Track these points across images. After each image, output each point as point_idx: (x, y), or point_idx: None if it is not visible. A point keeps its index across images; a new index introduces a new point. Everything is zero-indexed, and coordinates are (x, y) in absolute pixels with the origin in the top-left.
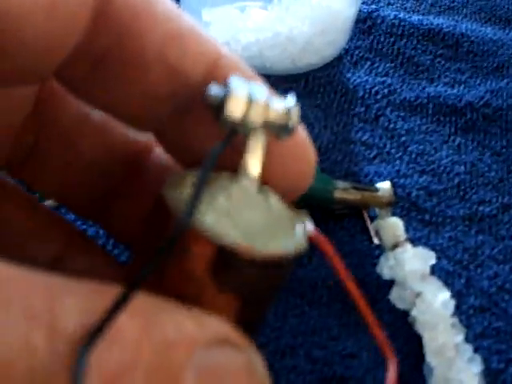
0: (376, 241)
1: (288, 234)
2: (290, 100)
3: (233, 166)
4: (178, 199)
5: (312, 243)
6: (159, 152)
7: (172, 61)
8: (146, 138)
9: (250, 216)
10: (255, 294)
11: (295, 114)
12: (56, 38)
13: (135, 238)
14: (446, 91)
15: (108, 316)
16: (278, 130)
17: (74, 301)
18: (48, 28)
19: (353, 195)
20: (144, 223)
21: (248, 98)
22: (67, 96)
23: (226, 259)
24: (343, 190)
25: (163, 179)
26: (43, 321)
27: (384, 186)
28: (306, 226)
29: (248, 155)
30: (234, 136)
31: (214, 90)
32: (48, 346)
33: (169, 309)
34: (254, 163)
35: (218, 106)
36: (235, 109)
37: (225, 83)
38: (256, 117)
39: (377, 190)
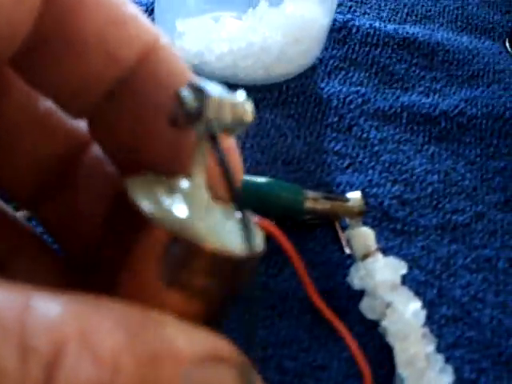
0: (348, 251)
1: (245, 236)
2: (242, 94)
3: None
4: (160, 210)
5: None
6: (96, 148)
7: (111, 45)
8: (84, 132)
9: (207, 216)
10: (211, 292)
11: (250, 108)
12: (13, 23)
13: (67, 233)
14: (420, 100)
15: None
16: (236, 126)
17: (45, 313)
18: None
19: (323, 205)
20: (103, 222)
21: (220, 98)
22: (12, 86)
23: (183, 252)
24: (313, 200)
25: (97, 174)
26: (14, 338)
27: (354, 195)
28: (257, 231)
29: (200, 157)
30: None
31: (186, 93)
32: (19, 367)
33: (157, 320)
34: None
35: (193, 109)
36: (214, 110)
37: (192, 86)
38: (227, 115)
39: (347, 199)
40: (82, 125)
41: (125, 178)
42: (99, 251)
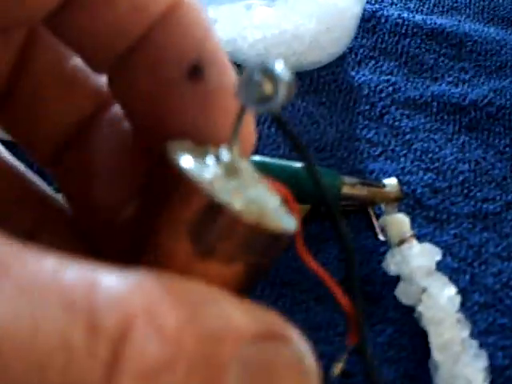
0: (381, 237)
1: (280, 216)
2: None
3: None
4: (202, 177)
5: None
6: (116, 108)
7: None
8: (106, 91)
9: (248, 188)
10: (245, 266)
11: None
12: None
13: (83, 195)
14: (449, 90)
15: None
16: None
17: (112, 290)
18: None
19: (360, 191)
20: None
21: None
22: (42, 44)
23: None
24: (351, 186)
25: (115, 134)
26: (82, 316)
27: (391, 182)
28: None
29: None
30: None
31: (257, 76)
32: (86, 345)
33: (216, 298)
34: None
35: (266, 93)
36: (285, 93)
37: (262, 68)
38: (290, 96)
39: (384, 185)
40: (104, 83)
41: (164, 143)
42: (121, 220)
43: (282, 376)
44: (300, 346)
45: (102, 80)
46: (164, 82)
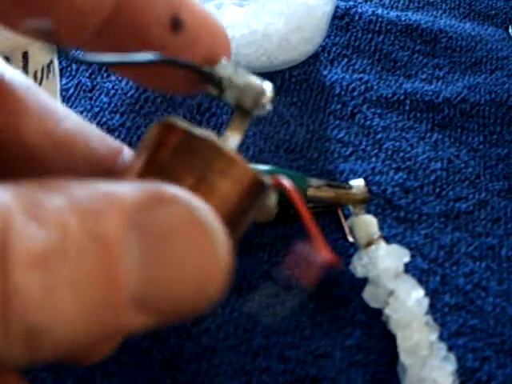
0: (351, 238)
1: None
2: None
3: None
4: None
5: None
6: None
7: None
8: None
9: None
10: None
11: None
12: None
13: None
14: (423, 87)
15: None
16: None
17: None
18: None
19: (326, 193)
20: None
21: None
22: None
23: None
24: (317, 188)
25: None
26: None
27: (358, 183)
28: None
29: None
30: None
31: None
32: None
33: (95, 181)
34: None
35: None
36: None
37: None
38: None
39: (350, 187)
40: None
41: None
42: None
43: (180, 236)
44: (194, 204)
45: None
46: (148, 40)
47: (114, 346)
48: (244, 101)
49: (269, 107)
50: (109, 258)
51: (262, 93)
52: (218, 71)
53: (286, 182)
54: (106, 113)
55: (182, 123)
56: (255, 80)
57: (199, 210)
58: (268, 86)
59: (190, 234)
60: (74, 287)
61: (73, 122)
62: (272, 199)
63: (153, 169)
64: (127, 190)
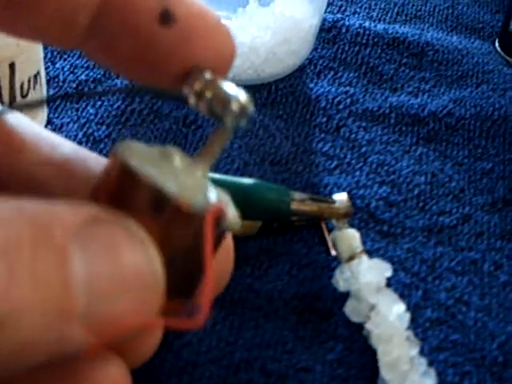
0: (334, 252)
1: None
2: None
3: None
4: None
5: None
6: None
7: None
8: None
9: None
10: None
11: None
12: None
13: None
14: (409, 100)
15: None
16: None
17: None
18: None
19: (310, 207)
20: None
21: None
22: None
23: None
24: (300, 202)
25: None
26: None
27: (341, 197)
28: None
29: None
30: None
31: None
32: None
33: (43, 202)
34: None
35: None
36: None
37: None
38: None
39: (334, 201)
40: None
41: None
42: None
43: (117, 249)
44: (126, 222)
45: None
46: (138, 34)
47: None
48: (217, 112)
49: (246, 119)
50: (59, 258)
51: (234, 102)
52: (189, 84)
53: (213, 212)
54: (93, 124)
55: (128, 152)
56: (228, 90)
57: (131, 225)
58: (242, 96)
59: (125, 246)
60: (32, 277)
61: (67, 146)
62: (231, 221)
63: (102, 194)
64: (72, 211)
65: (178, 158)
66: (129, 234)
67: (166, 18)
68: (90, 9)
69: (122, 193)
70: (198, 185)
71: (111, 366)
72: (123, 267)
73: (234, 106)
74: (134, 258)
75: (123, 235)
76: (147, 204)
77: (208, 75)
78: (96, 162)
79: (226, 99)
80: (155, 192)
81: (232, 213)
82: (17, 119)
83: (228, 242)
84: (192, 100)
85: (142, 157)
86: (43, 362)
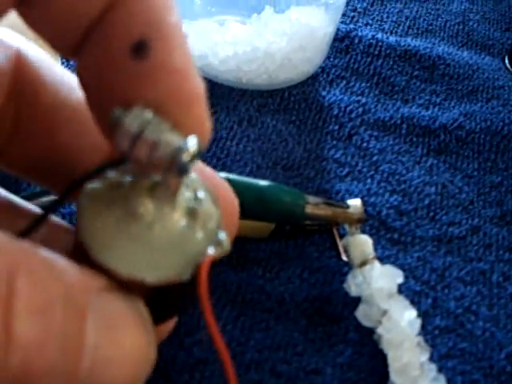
0: (345, 257)
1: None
2: (190, 138)
3: None
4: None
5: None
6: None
7: None
8: None
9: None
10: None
11: (191, 150)
12: None
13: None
14: (420, 112)
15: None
16: (173, 167)
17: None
18: None
19: (324, 211)
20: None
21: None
22: (41, 80)
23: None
24: (314, 206)
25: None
26: None
27: (355, 203)
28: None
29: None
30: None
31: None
32: None
33: (61, 263)
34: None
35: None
36: (122, 140)
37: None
38: (141, 152)
39: (348, 206)
40: None
41: (84, 189)
42: None
43: (124, 320)
44: (135, 301)
45: None
46: (111, 61)
47: None
48: (162, 167)
49: (197, 159)
50: (81, 322)
51: (178, 154)
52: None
53: (204, 273)
54: None
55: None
56: (168, 142)
57: (139, 306)
58: (191, 142)
59: (129, 320)
60: (63, 340)
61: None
62: (226, 246)
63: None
64: (90, 277)
65: (146, 203)
66: (136, 312)
67: (139, 49)
68: (88, 19)
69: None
70: (172, 242)
71: None
72: (125, 346)
73: (185, 158)
74: (136, 341)
75: (130, 313)
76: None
77: (149, 115)
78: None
79: (173, 154)
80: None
81: (221, 243)
82: (39, 59)
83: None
84: (124, 143)
85: (105, 232)
86: None
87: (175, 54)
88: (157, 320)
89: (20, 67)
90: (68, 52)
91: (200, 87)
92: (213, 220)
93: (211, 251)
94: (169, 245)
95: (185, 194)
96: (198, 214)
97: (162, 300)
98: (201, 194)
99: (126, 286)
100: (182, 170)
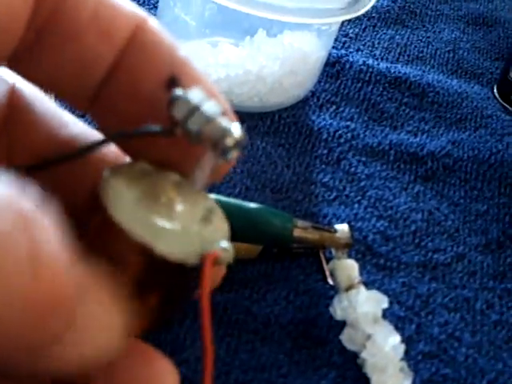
0: (331, 281)
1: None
2: (236, 125)
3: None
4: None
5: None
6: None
7: (103, 23)
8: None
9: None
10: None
11: (235, 136)
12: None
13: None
14: (408, 139)
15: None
16: (216, 147)
17: None
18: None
19: (312, 234)
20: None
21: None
22: (35, 113)
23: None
24: (303, 229)
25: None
26: None
27: (342, 227)
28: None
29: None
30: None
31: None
32: None
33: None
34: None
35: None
36: (181, 109)
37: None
38: (194, 123)
39: (335, 231)
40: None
41: (107, 168)
42: None
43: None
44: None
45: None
46: (145, 101)
47: None
48: (206, 143)
49: (237, 151)
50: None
51: (224, 135)
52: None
53: (208, 268)
54: None
55: (113, 193)
56: (219, 122)
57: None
58: (236, 129)
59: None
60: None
61: (76, 127)
62: (225, 260)
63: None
64: None
65: (170, 192)
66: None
67: (173, 83)
68: (106, 62)
69: (106, 235)
70: (190, 232)
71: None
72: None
73: (229, 142)
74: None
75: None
76: (130, 249)
77: (206, 96)
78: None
79: (220, 134)
80: (143, 248)
81: (226, 249)
82: (33, 94)
83: None
84: (181, 113)
85: (127, 198)
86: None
87: (199, 80)
88: (157, 309)
89: (15, 101)
90: (83, 105)
91: (227, 103)
92: (223, 231)
93: (217, 249)
94: (182, 228)
95: (206, 201)
96: (212, 220)
97: (162, 283)
98: (216, 213)
99: (131, 260)
100: (224, 152)
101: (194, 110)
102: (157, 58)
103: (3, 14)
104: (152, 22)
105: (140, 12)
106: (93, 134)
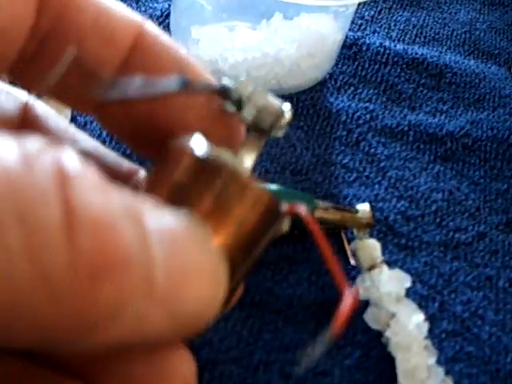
0: (353, 261)
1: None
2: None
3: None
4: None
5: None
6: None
7: (106, 28)
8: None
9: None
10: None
11: (285, 118)
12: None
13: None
14: (427, 120)
15: None
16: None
17: None
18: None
19: (333, 215)
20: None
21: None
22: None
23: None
24: (324, 210)
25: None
26: None
27: (363, 207)
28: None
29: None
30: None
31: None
32: None
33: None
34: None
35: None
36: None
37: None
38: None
39: (356, 211)
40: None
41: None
42: None
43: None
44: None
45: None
46: (155, 100)
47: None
48: (262, 121)
49: (285, 129)
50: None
51: (281, 114)
52: (237, 89)
53: (303, 210)
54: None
55: (197, 143)
56: (274, 101)
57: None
58: (287, 108)
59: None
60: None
61: (88, 143)
62: (286, 224)
63: (167, 188)
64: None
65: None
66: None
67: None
68: (114, 65)
69: (197, 185)
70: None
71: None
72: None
73: (283, 119)
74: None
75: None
76: (229, 195)
77: (251, 84)
78: (114, 161)
79: (275, 110)
80: (240, 181)
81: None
82: (45, 112)
83: None
84: (232, 108)
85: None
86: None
87: (205, 76)
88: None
89: (28, 117)
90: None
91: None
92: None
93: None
94: None
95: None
96: None
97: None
98: None
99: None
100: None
101: (248, 99)
102: (163, 57)
103: (7, 19)
104: (150, 25)
105: (138, 16)
106: (104, 151)
